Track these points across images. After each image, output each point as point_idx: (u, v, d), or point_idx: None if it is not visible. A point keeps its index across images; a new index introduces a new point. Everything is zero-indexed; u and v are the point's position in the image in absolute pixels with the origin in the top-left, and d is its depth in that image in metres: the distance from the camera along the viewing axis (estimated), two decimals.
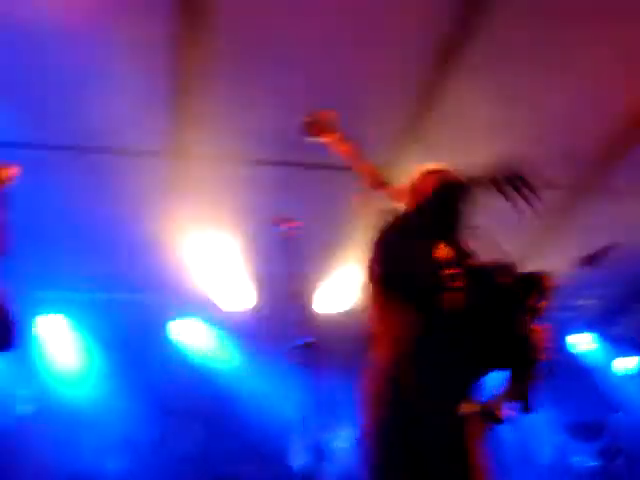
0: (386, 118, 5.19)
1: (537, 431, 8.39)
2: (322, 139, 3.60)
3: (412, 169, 3.43)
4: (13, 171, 3.23)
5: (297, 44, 4.57)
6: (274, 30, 4.49)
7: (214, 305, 7.32)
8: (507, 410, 3.06)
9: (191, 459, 7.54)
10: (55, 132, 5.04)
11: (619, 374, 9.17)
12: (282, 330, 6.71)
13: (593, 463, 7.85)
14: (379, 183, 3.49)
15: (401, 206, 3.34)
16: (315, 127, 3.60)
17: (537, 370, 3.05)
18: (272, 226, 3.94)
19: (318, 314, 4.04)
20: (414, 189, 3.33)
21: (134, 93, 4.72)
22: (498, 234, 3.04)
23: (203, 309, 7.47)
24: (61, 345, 7.72)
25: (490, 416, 3.02)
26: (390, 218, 3.24)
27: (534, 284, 3.06)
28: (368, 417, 3.06)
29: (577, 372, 8.67)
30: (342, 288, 6.75)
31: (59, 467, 7.03)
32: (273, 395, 7.45)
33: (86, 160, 5.31)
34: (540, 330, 3.07)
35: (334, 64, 4.76)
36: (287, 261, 3.91)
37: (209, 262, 6.59)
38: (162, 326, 7.91)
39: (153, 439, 7.56)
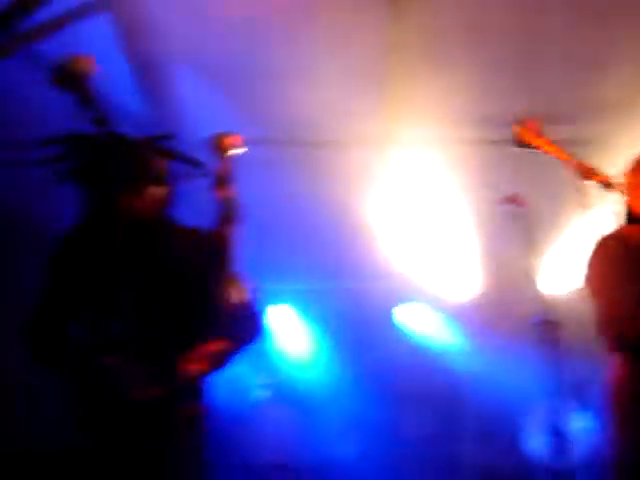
0: (600, 92, 4.92)
1: None
2: (532, 145, 3.65)
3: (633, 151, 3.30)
4: (236, 140, 3.16)
5: (507, 27, 4.44)
6: (481, 13, 4.40)
7: (440, 289, 7.34)
8: None
9: (419, 443, 7.60)
10: (269, 127, 5.16)
11: None
12: (510, 311, 6.65)
13: None
14: (591, 173, 3.47)
15: (620, 198, 3.23)
16: (524, 135, 3.67)
17: None
18: (499, 205, 3.92)
19: (548, 293, 3.96)
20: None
21: (342, 83, 4.80)
22: None
23: (429, 294, 7.51)
24: (292, 334, 8.10)
25: None
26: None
27: None
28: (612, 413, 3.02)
29: None
30: (570, 268, 6.55)
31: (292, 452, 7.35)
32: (503, 377, 7.32)
33: (298, 153, 5.45)
34: None
35: (542, 42, 4.57)
36: (515, 241, 3.87)
37: (431, 246, 6.63)
38: (388, 312, 8.05)
39: (382, 424, 7.70)
